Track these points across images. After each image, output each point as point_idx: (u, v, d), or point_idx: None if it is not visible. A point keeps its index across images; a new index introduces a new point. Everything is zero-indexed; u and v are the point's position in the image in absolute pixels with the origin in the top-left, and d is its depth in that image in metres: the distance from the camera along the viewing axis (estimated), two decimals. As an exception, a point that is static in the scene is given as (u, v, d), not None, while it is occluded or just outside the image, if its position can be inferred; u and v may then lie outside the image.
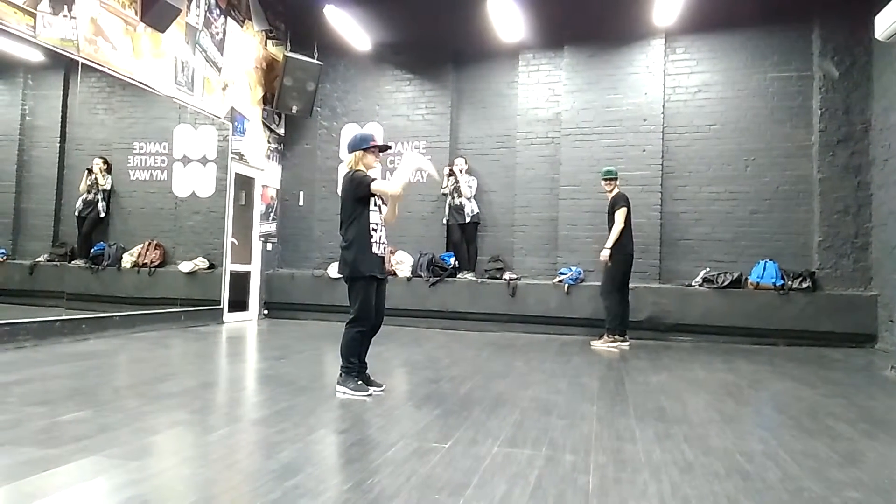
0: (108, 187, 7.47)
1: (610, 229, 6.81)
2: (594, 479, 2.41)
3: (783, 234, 7.52)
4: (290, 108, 8.78)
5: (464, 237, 8.37)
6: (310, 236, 9.25)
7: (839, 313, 6.94)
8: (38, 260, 6.91)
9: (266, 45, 9.02)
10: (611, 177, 6.97)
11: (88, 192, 7.31)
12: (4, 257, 6.74)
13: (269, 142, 9.18)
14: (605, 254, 6.71)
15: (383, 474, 2.40)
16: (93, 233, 7.42)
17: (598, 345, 6.65)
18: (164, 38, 6.89)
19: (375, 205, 3.93)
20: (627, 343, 6.72)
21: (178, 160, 7.97)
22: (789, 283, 7.12)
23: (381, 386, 4.01)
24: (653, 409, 3.71)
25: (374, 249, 3.86)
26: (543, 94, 8.47)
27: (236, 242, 8.34)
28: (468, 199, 8.29)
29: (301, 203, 9.34)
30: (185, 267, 7.87)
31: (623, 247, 6.71)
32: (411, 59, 8.97)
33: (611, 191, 6.95)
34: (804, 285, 7.07)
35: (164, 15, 6.61)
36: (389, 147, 4.16)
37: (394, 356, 5.71)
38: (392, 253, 8.56)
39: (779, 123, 7.62)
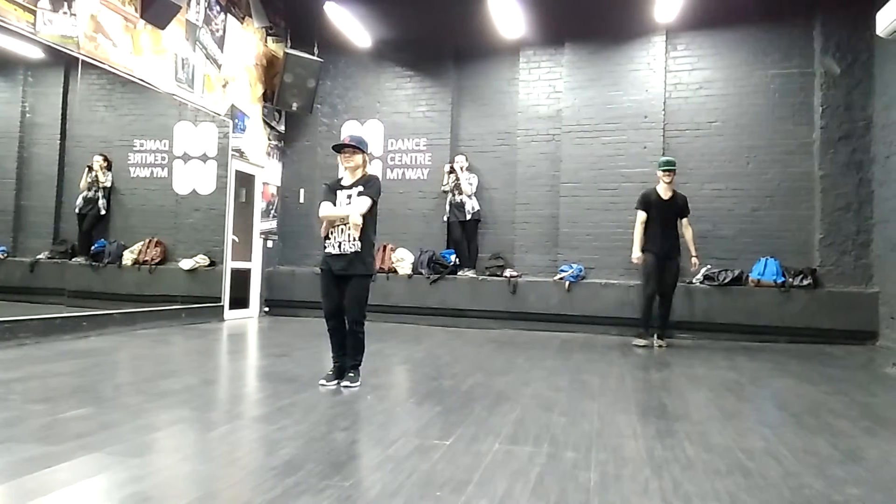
0: (108, 184, 7.46)
1: (668, 226, 6.57)
2: (595, 475, 2.41)
3: (784, 231, 7.51)
4: (290, 105, 8.76)
5: (464, 234, 8.37)
6: (310, 234, 9.23)
7: (840, 310, 6.93)
8: (38, 257, 6.91)
9: (266, 41, 9.00)
10: (673, 168, 6.61)
11: (89, 189, 7.30)
12: (5, 255, 6.74)
13: (269, 139, 9.17)
14: (696, 261, 6.70)
15: (384, 471, 2.40)
16: (93, 230, 7.41)
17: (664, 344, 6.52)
18: (164, 34, 6.87)
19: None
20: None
21: (179, 157, 7.97)
22: (790, 280, 7.11)
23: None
24: (654, 406, 3.72)
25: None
26: (544, 91, 8.45)
27: (237, 240, 8.34)
28: (469, 196, 8.29)
29: (302, 200, 9.34)
30: (185, 264, 7.87)
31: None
32: (412, 55, 8.95)
33: (670, 183, 6.59)
34: (805, 282, 7.06)
35: (163, 12, 6.60)
36: (342, 147, 4.13)
37: (394, 353, 5.71)
38: (392, 250, 8.58)
39: (780, 120, 7.60)
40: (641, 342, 6.58)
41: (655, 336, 6.58)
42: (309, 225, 9.25)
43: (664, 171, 6.57)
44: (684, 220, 6.65)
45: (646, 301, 6.57)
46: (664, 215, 6.56)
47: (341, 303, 4.04)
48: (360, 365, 4.12)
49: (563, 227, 8.15)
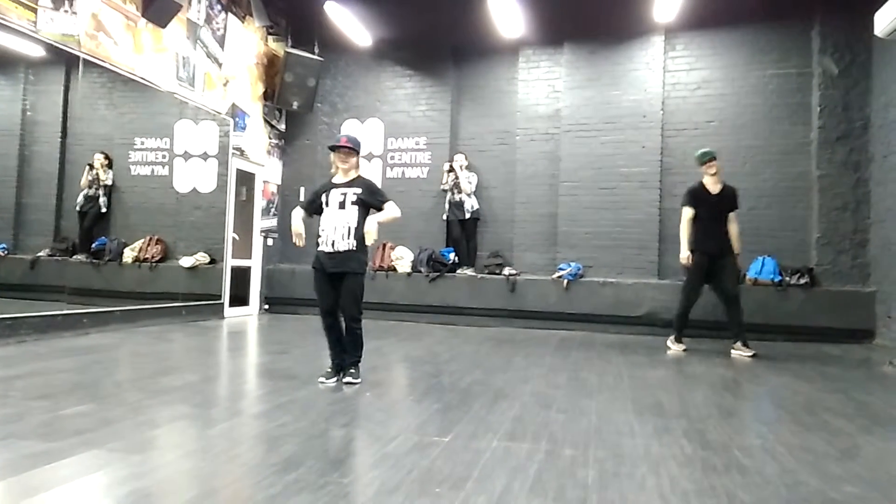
0: (109, 182, 7.47)
1: (719, 222, 5.96)
2: (593, 472, 2.42)
3: (782, 230, 7.53)
4: (290, 103, 8.78)
5: (464, 233, 8.39)
6: (310, 232, 9.22)
7: (837, 309, 6.96)
8: (39, 255, 6.92)
9: (267, 40, 9.01)
10: (714, 156, 6.03)
11: (89, 187, 7.31)
12: (6, 252, 6.75)
13: (269, 137, 9.18)
14: (738, 260, 6.04)
15: (384, 468, 2.42)
16: (94, 228, 7.42)
17: (739, 354, 5.81)
18: (164, 33, 6.88)
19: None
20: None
21: (180, 156, 7.97)
22: (788, 279, 7.14)
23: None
24: (651, 403, 3.73)
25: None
26: (543, 91, 8.47)
27: (237, 238, 8.35)
28: (468, 195, 8.31)
29: (302, 198, 9.34)
30: (186, 262, 7.88)
31: None
32: (412, 55, 8.97)
33: (715, 174, 6.00)
34: (802, 281, 7.09)
35: (164, 10, 6.61)
36: (336, 146, 4.18)
37: (394, 351, 5.73)
38: (392, 248, 8.60)
39: (778, 120, 7.63)
40: (680, 346, 6.09)
41: (740, 343, 5.87)
42: (308, 223, 9.26)
43: (706, 162, 6.01)
44: (731, 215, 6.02)
45: (687, 305, 6.04)
46: (714, 211, 5.97)
47: (336, 300, 4.07)
48: (359, 361, 4.14)
49: (562, 226, 8.17)
